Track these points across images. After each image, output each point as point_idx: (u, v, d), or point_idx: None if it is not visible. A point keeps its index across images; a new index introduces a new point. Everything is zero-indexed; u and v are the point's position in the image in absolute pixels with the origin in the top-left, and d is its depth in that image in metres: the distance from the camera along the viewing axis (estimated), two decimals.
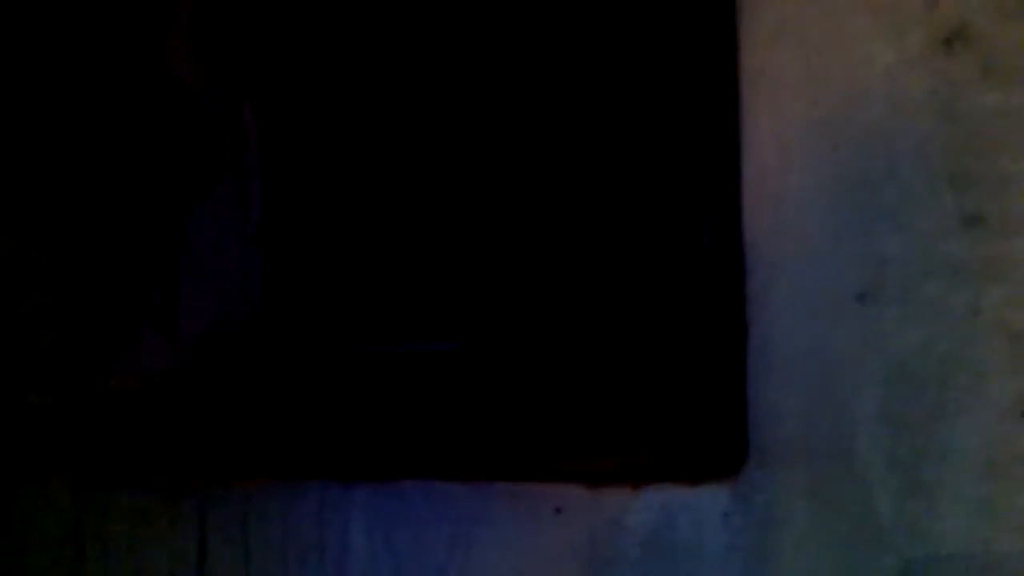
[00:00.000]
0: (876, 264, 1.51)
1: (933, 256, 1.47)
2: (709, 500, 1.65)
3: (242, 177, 3.01)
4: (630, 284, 2.10)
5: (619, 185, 2.13)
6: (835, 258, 1.53)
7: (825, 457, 1.57)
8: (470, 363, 2.30)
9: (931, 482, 1.52)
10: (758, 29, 1.49)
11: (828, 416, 1.57)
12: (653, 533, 1.67)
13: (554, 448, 1.77)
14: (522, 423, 1.92)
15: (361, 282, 2.95)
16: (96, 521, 2.08)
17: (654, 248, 1.85)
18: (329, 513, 1.90)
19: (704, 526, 1.65)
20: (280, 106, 3.06)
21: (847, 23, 1.46)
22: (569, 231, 2.35)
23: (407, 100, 2.89)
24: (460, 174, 2.79)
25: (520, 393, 2.06)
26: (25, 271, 2.48)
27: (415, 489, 1.84)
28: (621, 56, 2.25)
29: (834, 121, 1.48)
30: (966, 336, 1.45)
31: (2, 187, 2.40)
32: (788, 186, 1.53)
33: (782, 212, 1.54)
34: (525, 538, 1.75)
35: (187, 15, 2.81)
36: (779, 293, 1.58)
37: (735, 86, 1.51)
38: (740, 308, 1.59)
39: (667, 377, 1.71)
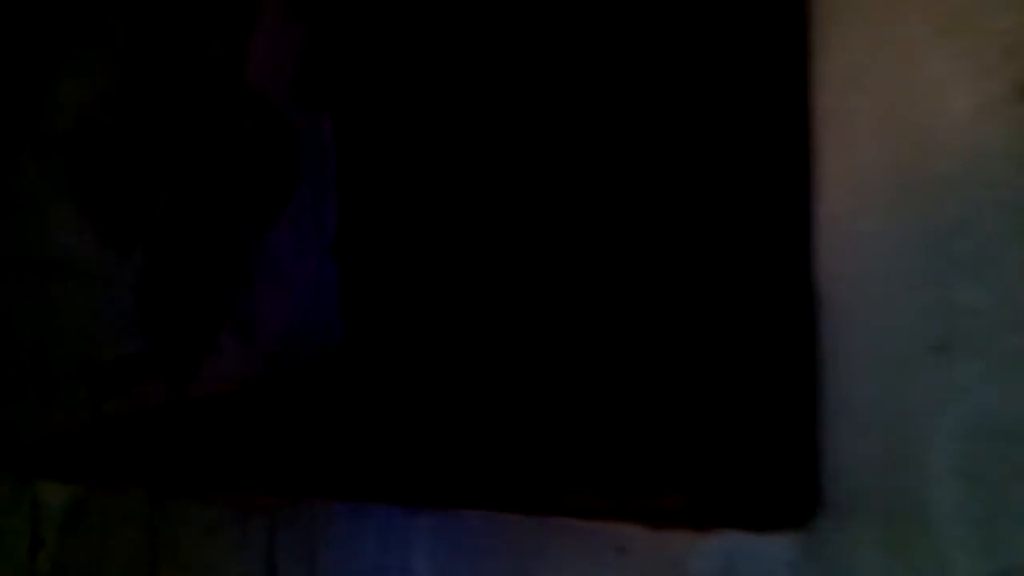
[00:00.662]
0: (953, 315, 1.44)
1: (1013, 308, 1.40)
2: (776, 549, 1.60)
3: (320, 189, 3.04)
4: (704, 326, 2.06)
5: (696, 229, 2.09)
6: (909, 307, 1.47)
7: (898, 512, 1.51)
8: (540, 393, 2.30)
9: (1009, 542, 1.45)
10: (832, 71, 1.43)
11: (902, 470, 1.50)
12: None
13: (619, 484, 1.75)
14: (588, 457, 1.90)
15: (434, 295, 2.96)
16: (170, 531, 2.13)
17: (725, 290, 1.81)
18: (392, 537, 1.91)
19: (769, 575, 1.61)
20: (359, 119, 3.09)
21: (923, 68, 1.39)
22: (651, 270, 2.31)
23: (486, 114, 2.89)
24: (543, 188, 2.77)
25: (589, 426, 2.04)
26: (110, 278, 2.56)
27: (478, 520, 1.83)
28: (691, 97, 2.21)
29: (909, 167, 1.41)
30: None
31: (92, 197, 2.48)
32: (861, 232, 1.47)
33: (855, 258, 1.48)
34: None
35: (268, 30, 2.85)
36: (851, 341, 1.52)
37: (805, 127, 1.46)
38: (811, 355, 1.54)
39: (738, 421, 1.67)
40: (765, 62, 1.48)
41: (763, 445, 1.62)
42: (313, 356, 2.97)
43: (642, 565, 1.70)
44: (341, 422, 2.40)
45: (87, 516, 2.25)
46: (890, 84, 1.42)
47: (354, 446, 2.11)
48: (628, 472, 1.77)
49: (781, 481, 1.61)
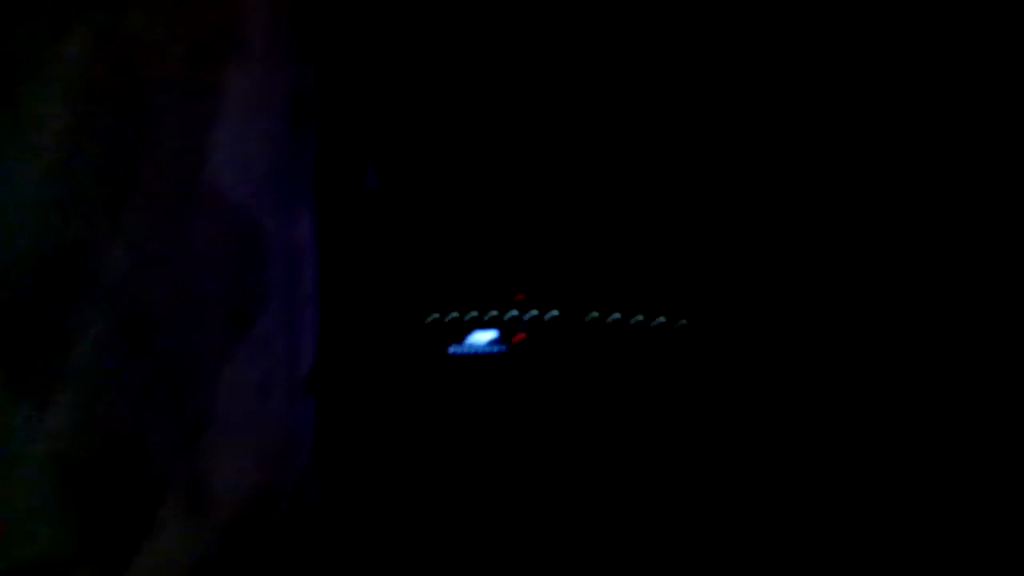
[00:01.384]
0: None
1: None
2: None
3: (293, 306, 2.43)
4: None
5: None
6: None
7: None
8: None
9: None
10: None
11: None
12: None
13: None
14: None
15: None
16: None
17: None
18: None
19: None
20: (345, 213, 2.50)
21: None
22: None
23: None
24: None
25: None
26: (24, 436, 1.89)
27: None
28: None
29: None
30: None
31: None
32: None
33: None
34: None
35: (235, 124, 2.27)
36: None
37: None
38: None
39: None
40: None
41: None
42: (282, 522, 2.32)
43: None
44: None
45: None
46: None
47: None
48: None
49: None
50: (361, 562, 2.06)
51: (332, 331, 2.38)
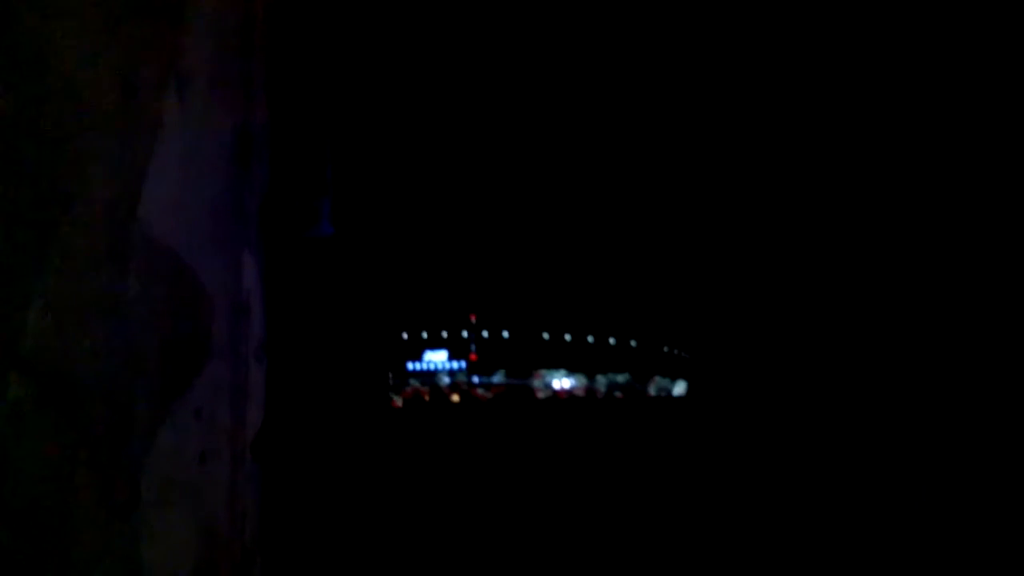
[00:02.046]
0: None
1: None
2: None
3: (237, 364, 2.20)
4: None
5: None
6: None
7: None
8: None
9: None
10: None
11: None
12: None
13: None
14: None
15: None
16: None
17: None
18: None
19: None
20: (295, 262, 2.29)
21: None
22: None
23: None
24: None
25: None
26: None
27: None
28: None
29: None
30: None
31: None
32: None
33: None
34: None
35: (170, 164, 2.05)
36: None
37: None
38: None
39: None
40: None
41: None
42: None
43: None
44: None
45: None
46: None
47: None
48: None
49: None
50: None
51: (281, 391, 2.16)
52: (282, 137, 2.17)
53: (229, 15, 2.27)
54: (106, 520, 1.90)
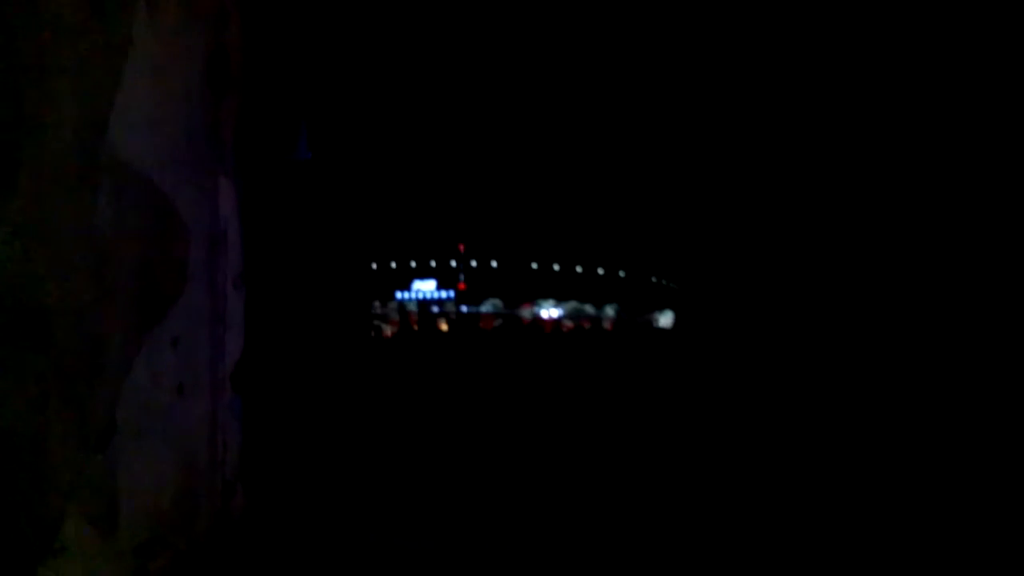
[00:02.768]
0: None
1: None
2: None
3: (215, 292, 2.14)
4: None
5: None
6: None
7: None
8: None
9: None
10: None
11: None
12: None
13: None
14: None
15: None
16: None
17: None
18: None
19: None
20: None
21: None
22: None
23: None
24: None
25: None
26: None
27: None
28: None
29: None
30: None
31: None
32: None
33: None
34: None
35: (141, 85, 1.95)
36: None
37: None
38: None
39: None
40: None
41: None
42: (204, 539, 2.06)
43: None
44: None
45: None
46: None
47: None
48: None
49: None
50: None
51: (262, 319, 2.11)
52: (258, 58, 2.08)
53: None
54: (80, 451, 1.87)
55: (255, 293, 2.09)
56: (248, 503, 2.14)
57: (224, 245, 2.16)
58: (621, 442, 4.92)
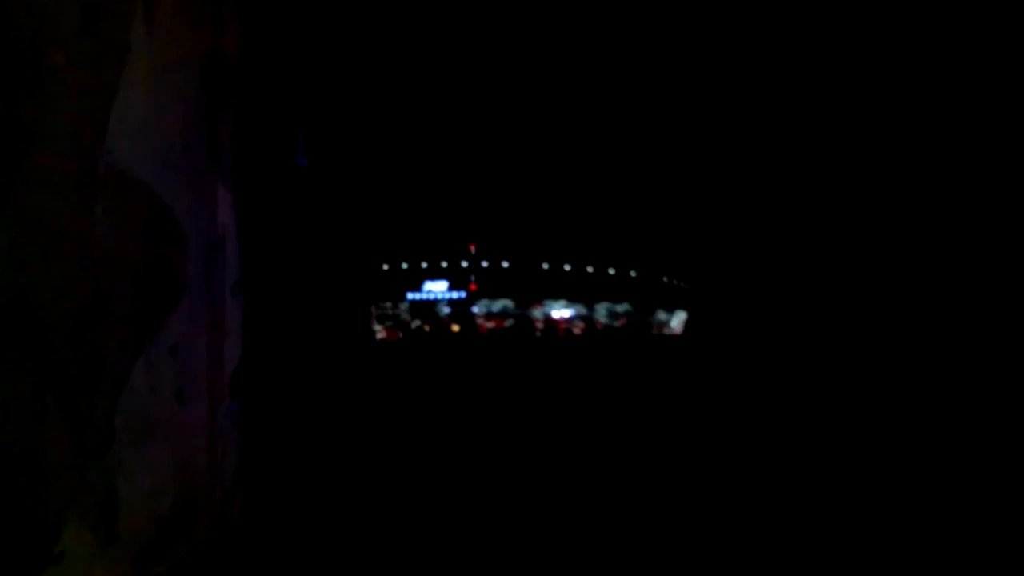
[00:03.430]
0: None
1: None
2: None
3: (213, 300, 2.15)
4: None
5: None
6: None
7: None
8: None
9: None
10: None
11: None
12: None
13: None
14: None
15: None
16: None
17: None
18: None
19: None
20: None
21: None
22: None
23: None
24: None
25: None
26: None
27: None
28: None
29: None
30: None
31: None
32: None
33: None
34: None
35: (138, 93, 1.96)
36: None
37: None
38: None
39: None
40: None
41: None
42: (203, 545, 2.06)
43: None
44: None
45: None
46: None
47: None
48: None
49: None
50: None
51: (259, 326, 2.11)
52: (255, 64, 2.08)
53: None
54: (79, 460, 1.87)
55: (253, 300, 2.09)
56: (247, 509, 2.14)
57: (222, 252, 2.16)
58: (631, 442, 4.91)
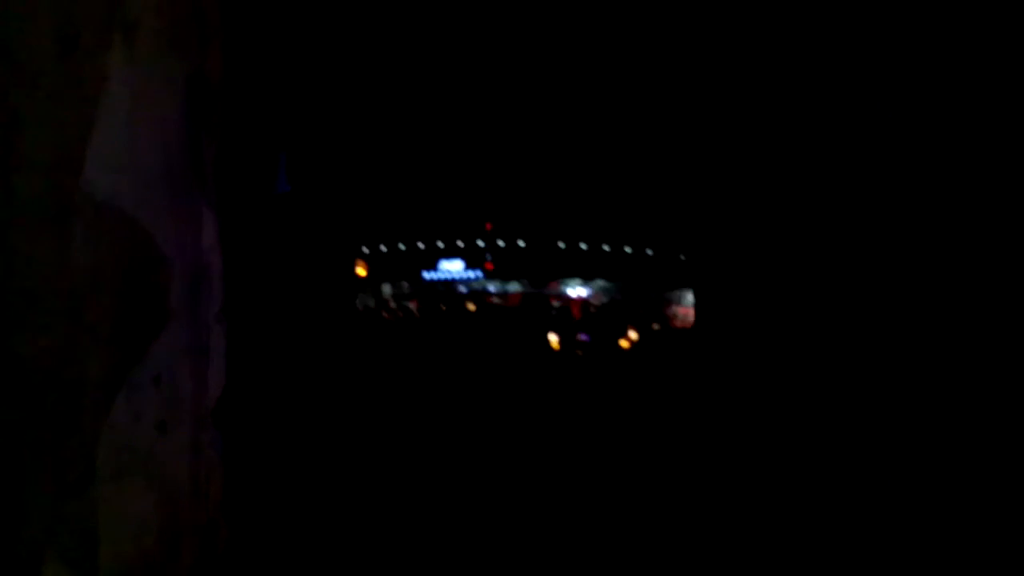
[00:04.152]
0: None
1: None
2: None
3: (197, 329, 2.11)
4: None
5: None
6: None
7: None
8: None
9: None
10: None
11: None
12: None
13: None
14: None
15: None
16: None
17: None
18: None
19: None
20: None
21: None
22: None
23: None
24: None
25: None
26: None
27: None
28: None
29: None
30: None
31: None
32: None
33: None
34: None
35: (117, 120, 1.91)
36: None
37: None
38: None
39: None
40: None
41: None
42: None
43: None
44: None
45: None
46: None
47: None
48: None
49: None
50: None
51: (243, 354, 2.07)
52: (240, 87, 2.03)
53: None
54: (59, 497, 1.84)
55: (237, 328, 2.06)
56: (232, 540, 2.11)
57: (207, 278, 2.12)
58: (634, 437, 4.88)
